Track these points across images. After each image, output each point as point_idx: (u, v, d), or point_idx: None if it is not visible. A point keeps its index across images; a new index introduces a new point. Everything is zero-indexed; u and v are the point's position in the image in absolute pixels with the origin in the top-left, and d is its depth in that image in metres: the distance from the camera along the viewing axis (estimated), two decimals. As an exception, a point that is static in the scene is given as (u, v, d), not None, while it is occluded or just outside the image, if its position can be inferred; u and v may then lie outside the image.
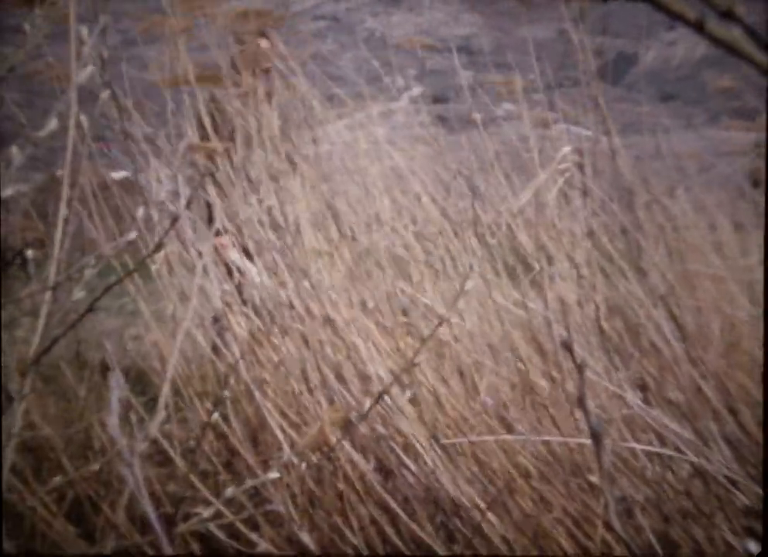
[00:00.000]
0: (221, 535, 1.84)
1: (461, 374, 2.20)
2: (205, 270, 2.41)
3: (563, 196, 2.62)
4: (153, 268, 2.54)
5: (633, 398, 2.06)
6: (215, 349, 2.42)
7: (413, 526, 2.04)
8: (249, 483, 1.43)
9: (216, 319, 2.47)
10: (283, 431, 2.12)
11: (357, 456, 2.02)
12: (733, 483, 1.86)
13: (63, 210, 1.37)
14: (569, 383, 2.06)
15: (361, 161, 3.00)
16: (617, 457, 2.04)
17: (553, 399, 2.13)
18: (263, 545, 1.87)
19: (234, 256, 2.46)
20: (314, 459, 1.90)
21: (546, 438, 1.99)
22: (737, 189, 3.21)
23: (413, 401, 2.06)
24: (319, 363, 2.17)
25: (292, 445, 1.99)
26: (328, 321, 2.19)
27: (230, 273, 2.53)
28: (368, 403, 1.68)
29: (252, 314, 2.37)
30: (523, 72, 3.25)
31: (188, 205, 1.45)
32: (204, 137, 2.87)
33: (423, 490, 2.04)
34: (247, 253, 2.53)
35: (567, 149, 2.35)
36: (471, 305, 2.28)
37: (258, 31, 3.93)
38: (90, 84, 1.57)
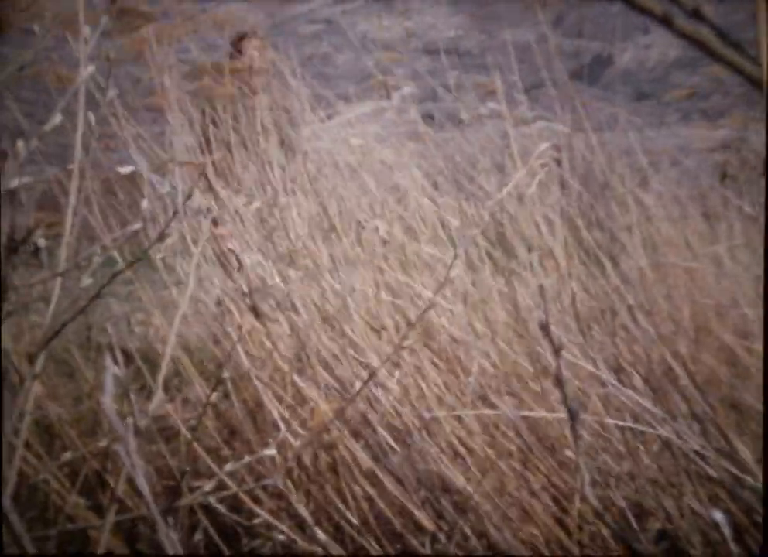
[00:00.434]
0: (222, 508, 1.84)
1: (447, 356, 2.20)
2: (205, 258, 2.41)
3: (542, 188, 2.62)
4: (158, 257, 2.54)
5: (608, 377, 2.06)
6: (215, 334, 2.42)
7: (403, 499, 2.04)
8: (248, 458, 1.43)
9: (216, 305, 2.47)
10: (280, 412, 2.12)
11: (348, 436, 2.02)
12: (701, 456, 1.86)
13: (72, 202, 1.36)
14: (548, 364, 2.06)
15: (353, 156, 3.00)
16: (593, 433, 2.04)
17: (534, 379, 2.14)
18: (263, 517, 1.87)
19: (233, 245, 2.46)
20: (309, 437, 1.90)
21: (525, 413, 1.99)
22: (706, 183, 3.22)
23: (401, 382, 2.06)
24: (311, 348, 2.17)
25: (288, 424, 1.99)
26: (320, 308, 2.19)
27: (229, 262, 2.53)
28: (357, 385, 1.68)
29: (248, 301, 2.36)
30: (506, 73, 3.25)
31: (187, 200, 1.44)
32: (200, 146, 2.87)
33: (410, 467, 2.04)
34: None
35: (545, 145, 2.35)
36: (458, 291, 2.28)
37: (252, 32, 3.93)
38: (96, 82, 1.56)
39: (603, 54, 5.69)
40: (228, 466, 1.40)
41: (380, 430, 2.04)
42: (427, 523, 2.01)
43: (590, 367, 2.09)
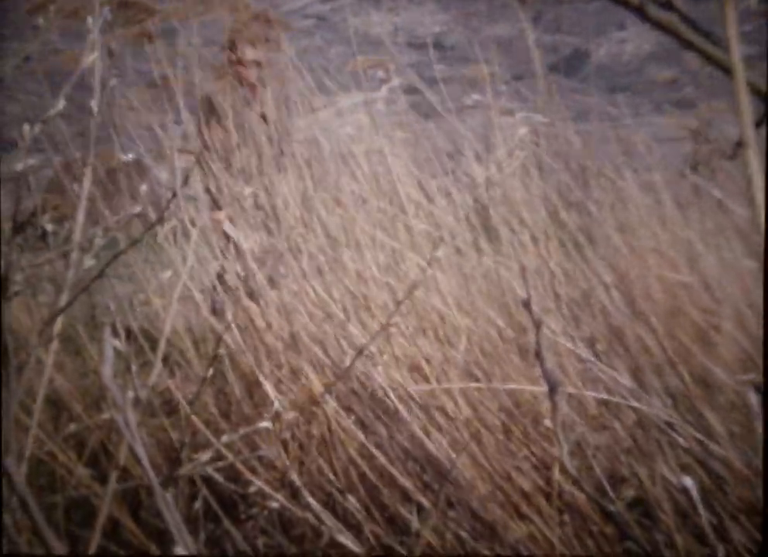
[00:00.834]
0: (220, 478, 1.84)
1: (435, 332, 2.20)
2: (204, 242, 2.40)
3: (524, 175, 2.62)
4: (159, 240, 2.53)
5: (586, 354, 2.07)
6: (213, 313, 2.41)
7: (391, 470, 2.04)
8: (244, 430, 1.42)
9: (214, 287, 2.46)
10: (274, 387, 2.12)
11: (339, 409, 2.02)
12: (672, 427, 1.87)
13: (83, 187, 1.35)
14: (529, 339, 2.06)
15: (345, 144, 2.99)
16: (572, 406, 2.04)
17: (516, 355, 2.14)
18: (258, 486, 1.87)
19: (230, 229, 2.45)
20: (301, 410, 1.90)
21: (508, 387, 1.99)
22: (678, 170, 3.22)
23: (390, 357, 2.05)
24: (303, 326, 2.17)
25: (281, 398, 1.99)
26: (312, 289, 2.18)
27: (227, 245, 2.52)
28: (347, 361, 1.67)
29: (244, 282, 2.36)
30: (489, 66, 3.24)
31: (184, 183, 1.43)
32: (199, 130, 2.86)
33: (398, 439, 2.04)
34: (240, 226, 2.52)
35: (524, 131, 2.34)
36: (444, 270, 2.27)
37: (245, 27, 3.91)
38: (100, 73, 1.55)
39: (580, 49, 5.69)
40: (225, 438, 1.39)
41: (370, 404, 2.04)
42: (414, 492, 2.01)
43: (568, 344, 2.09)
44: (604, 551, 1.96)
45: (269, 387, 2.05)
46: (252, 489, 1.86)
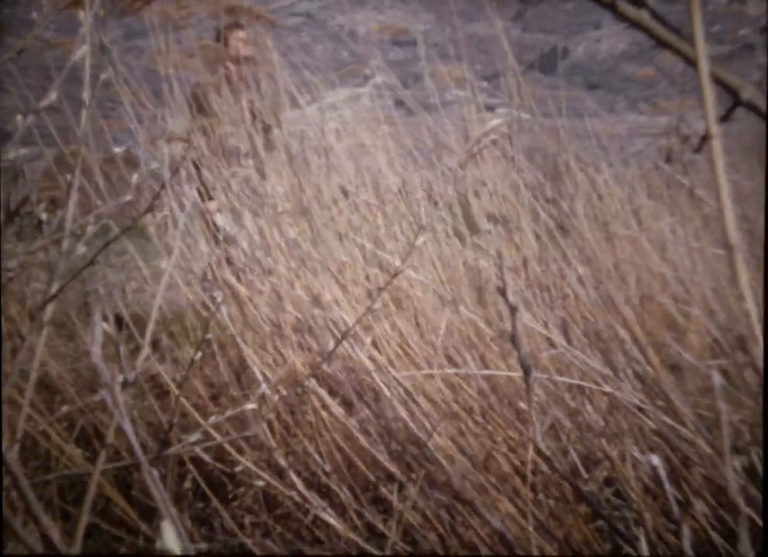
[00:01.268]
0: (208, 458, 1.83)
1: (416, 319, 2.20)
2: (195, 230, 2.39)
3: (501, 168, 2.62)
4: (150, 229, 2.53)
5: (559, 339, 2.07)
6: (203, 300, 2.41)
7: (373, 450, 2.04)
8: (231, 412, 1.42)
9: (204, 275, 2.46)
10: (261, 370, 2.12)
11: (323, 392, 2.02)
12: (641, 410, 1.88)
13: (74, 176, 1.35)
14: (505, 326, 2.06)
15: (330, 138, 2.98)
16: (546, 390, 2.05)
17: (493, 341, 2.14)
18: (245, 465, 1.86)
19: (220, 219, 2.44)
20: (287, 393, 1.90)
21: (486, 372, 2.00)
22: (651, 164, 3.23)
23: (373, 343, 2.05)
24: (290, 312, 2.16)
25: (268, 381, 1.99)
26: (299, 276, 2.18)
27: (216, 233, 2.52)
28: (331, 345, 1.67)
29: (233, 269, 2.35)
30: (470, 63, 3.24)
31: (174, 173, 1.42)
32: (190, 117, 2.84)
33: (381, 421, 2.05)
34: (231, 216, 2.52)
35: (496, 121, 2.34)
36: (424, 259, 2.28)
37: (236, 24, 3.89)
38: (90, 64, 1.54)
39: (558, 47, 5.69)
40: (212, 419, 1.39)
41: (354, 387, 2.04)
42: (395, 472, 2.01)
43: (542, 330, 2.10)
44: (577, 529, 1.97)
45: (256, 370, 2.05)
46: (238, 469, 1.86)
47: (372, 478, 2.11)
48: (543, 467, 1.99)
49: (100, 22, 1.52)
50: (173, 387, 1.96)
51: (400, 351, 2.11)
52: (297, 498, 1.90)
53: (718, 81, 0.74)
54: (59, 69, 1.42)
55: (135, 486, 2.26)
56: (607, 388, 1.89)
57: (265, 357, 2.17)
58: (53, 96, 1.13)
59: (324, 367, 1.88)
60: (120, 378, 0.72)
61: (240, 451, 2.08)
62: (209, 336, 1.36)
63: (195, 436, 1.37)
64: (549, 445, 1.93)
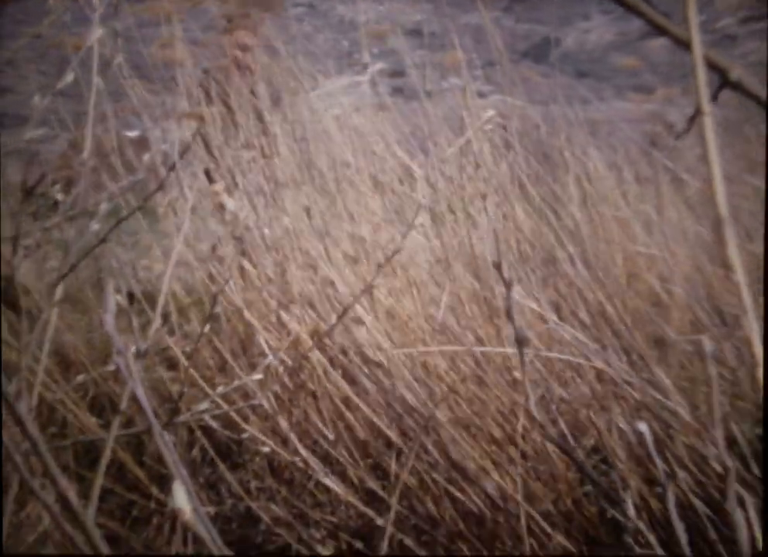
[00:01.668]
0: (216, 426, 1.84)
1: (416, 294, 2.19)
2: (203, 211, 2.38)
3: (496, 151, 2.61)
4: (160, 210, 2.53)
5: (550, 316, 2.07)
6: (210, 277, 2.40)
7: (374, 419, 2.05)
8: (238, 382, 1.42)
9: (212, 252, 2.45)
10: (266, 342, 2.12)
11: (326, 362, 2.02)
12: (628, 383, 1.88)
13: (85, 156, 1.34)
14: (500, 301, 2.06)
15: (331, 124, 2.97)
16: (537, 364, 2.05)
17: (488, 319, 2.14)
18: (251, 433, 1.87)
19: (226, 200, 2.43)
20: (291, 363, 1.90)
21: (483, 349, 2.00)
22: (638, 149, 3.22)
23: (374, 317, 2.05)
24: (295, 288, 2.16)
25: (273, 352, 1.98)
26: (303, 253, 2.17)
27: (223, 214, 2.51)
28: (333, 318, 1.67)
29: (240, 247, 2.35)
30: (465, 52, 3.22)
31: (183, 154, 1.41)
32: (199, 103, 2.82)
33: (381, 391, 2.04)
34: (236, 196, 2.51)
35: (491, 112, 2.33)
36: (423, 238, 2.27)
37: (242, 13, 3.87)
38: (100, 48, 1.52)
39: (549, 37, 5.68)
40: (220, 389, 1.39)
41: (355, 359, 2.03)
42: (394, 439, 2.02)
43: (535, 307, 2.10)
44: (566, 493, 1.97)
45: (262, 341, 2.04)
46: (244, 435, 1.86)
47: (371, 446, 2.11)
48: (534, 437, 2.00)
49: (113, 9, 1.51)
50: (182, 359, 1.95)
51: (401, 324, 2.11)
52: (300, 464, 1.90)
53: (707, 62, 0.73)
54: (75, 55, 1.41)
55: (147, 453, 2.26)
56: (595, 362, 1.89)
57: (271, 329, 2.17)
58: (69, 77, 1.12)
59: (327, 339, 1.88)
60: (132, 348, 0.72)
61: (246, 419, 2.08)
62: (217, 309, 1.35)
63: (204, 405, 1.37)
64: (540, 415, 1.93)
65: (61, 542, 1.58)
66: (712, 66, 0.71)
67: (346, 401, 2.08)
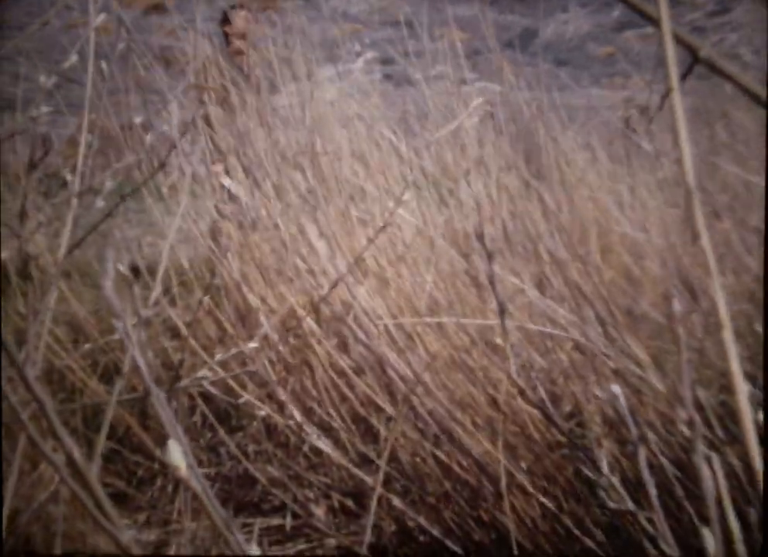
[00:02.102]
0: (216, 391, 1.83)
1: (406, 268, 2.18)
2: (203, 189, 2.37)
3: (481, 135, 2.60)
4: (164, 190, 2.51)
5: (531, 290, 2.07)
6: (211, 251, 2.38)
7: (365, 386, 2.04)
8: (235, 350, 1.41)
9: (212, 228, 2.43)
10: (264, 314, 2.11)
11: (319, 332, 2.01)
12: (603, 353, 1.88)
13: (87, 136, 1.32)
14: (484, 277, 2.05)
15: (324, 109, 2.95)
16: (519, 335, 2.04)
17: (472, 287, 2.13)
18: (250, 398, 1.86)
19: (226, 180, 2.41)
20: (287, 332, 1.89)
21: (467, 321, 1.99)
22: (613, 132, 3.20)
23: (367, 288, 2.04)
24: (292, 260, 2.14)
25: (270, 322, 1.98)
26: (299, 227, 2.16)
27: (223, 192, 2.49)
28: (326, 288, 1.66)
29: (238, 223, 2.33)
30: (451, 41, 3.20)
31: (183, 134, 1.40)
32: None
33: (373, 360, 2.04)
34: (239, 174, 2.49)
35: (479, 100, 2.31)
36: (410, 215, 2.25)
37: (241, 4, 3.83)
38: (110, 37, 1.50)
39: (531, 28, 5.64)
40: (218, 356, 1.38)
41: (349, 329, 2.03)
42: (384, 405, 2.01)
43: (517, 281, 2.09)
44: (545, 455, 1.97)
45: (261, 313, 2.04)
46: (241, 400, 1.85)
47: (363, 411, 2.11)
48: (517, 403, 2.00)
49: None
50: (183, 328, 1.95)
51: (392, 295, 2.10)
52: (295, 428, 1.89)
53: (677, 40, 0.72)
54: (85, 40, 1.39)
55: (151, 417, 2.26)
56: (573, 333, 1.89)
57: (269, 301, 2.16)
58: (74, 58, 1.10)
59: (322, 308, 1.87)
60: (132, 314, 0.71)
61: (244, 387, 2.07)
62: (216, 280, 1.35)
63: (203, 372, 1.36)
64: (522, 382, 1.93)
65: (71, 501, 1.57)
66: (682, 44, 0.70)
67: (339, 369, 2.08)
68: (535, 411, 1.93)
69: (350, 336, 1.99)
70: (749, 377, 1.72)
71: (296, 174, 2.29)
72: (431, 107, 2.91)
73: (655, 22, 0.61)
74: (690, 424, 0.66)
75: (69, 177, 1.46)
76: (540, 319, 2.06)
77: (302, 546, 2.09)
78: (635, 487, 1.70)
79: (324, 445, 1.96)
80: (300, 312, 2.05)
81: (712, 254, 0.56)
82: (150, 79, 2.73)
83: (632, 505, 0.96)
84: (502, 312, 0.92)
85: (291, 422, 1.88)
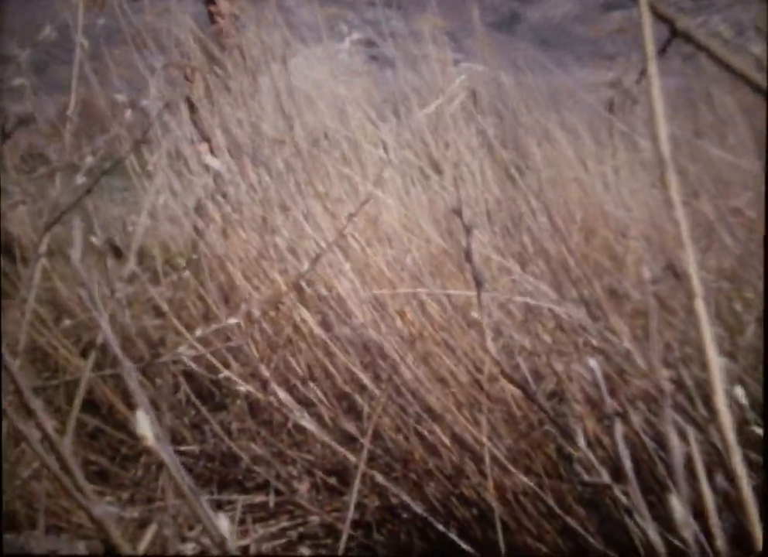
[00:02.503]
0: (197, 368, 1.82)
1: (387, 246, 2.17)
2: (188, 168, 2.34)
3: (466, 116, 2.58)
4: (150, 169, 2.48)
5: (515, 267, 2.06)
6: (196, 230, 2.36)
7: (348, 363, 2.03)
8: (215, 325, 1.40)
9: (196, 206, 2.41)
10: (247, 291, 2.09)
11: (303, 309, 2.00)
12: (584, 330, 1.87)
13: (71, 110, 1.30)
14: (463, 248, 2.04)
15: (311, 90, 2.92)
16: (502, 313, 2.04)
17: (453, 265, 2.12)
18: (231, 375, 1.85)
19: (210, 159, 2.39)
20: (268, 310, 1.88)
21: (448, 292, 1.98)
22: (596, 113, 3.19)
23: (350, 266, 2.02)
24: (274, 239, 2.13)
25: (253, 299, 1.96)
26: (282, 206, 2.14)
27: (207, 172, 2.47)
28: (307, 265, 1.65)
29: (223, 202, 2.31)
30: (437, 23, 3.18)
31: (164, 108, 1.38)
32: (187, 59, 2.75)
33: (355, 337, 2.03)
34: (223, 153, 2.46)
35: (462, 78, 2.30)
36: (392, 194, 2.24)
37: None
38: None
39: (517, 10, 5.63)
40: (198, 332, 1.37)
41: (332, 306, 2.01)
42: (367, 382, 2.00)
43: (500, 259, 2.08)
44: (528, 433, 1.97)
45: (244, 290, 2.02)
46: (221, 375, 1.84)
47: (346, 389, 2.10)
48: (499, 381, 1.99)
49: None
50: (164, 305, 1.93)
51: (374, 273, 2.09)
52: (277, 405, 1.88)
53: (654, 13, 0.70)
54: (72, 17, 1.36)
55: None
56: (556, 310, 1.88)
57: (252, 279, 2.14)
58: (47, 31, 1.08)
59: (304, 285, 1.85)
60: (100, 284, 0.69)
61: (227, 365, 2.06)
62: (196, 255, 1.33)
63: (183, 347, 1.35)
64: (503, 360, 1.92)
65: (54, 478, 1.56)
66: (660, 18, 0.69)
67: (322, 346, 2.07)
68: (517, 390, 1.92)
69: (331, 314, 1.98)
70: (728, 355, 1.71)
71: (277, 155, 2.27)
72: (416, 87, 2.89)
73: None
74: (662, 393, 0.65)
75: (54, 157, 1.44)
76: (523, 297, 2.05)
77: (285, 523, 2.09)
78: (615, 465, 1.69)
79: (308, 422, 1.95)
80: (283, 287, 2.03)
81: (686, 223, 0.55)
82: (133, 58, 2.70)
83: (609, 478, 0.96)
84: (479, 284, 0.91)
85: (273, 399, 1.87)
